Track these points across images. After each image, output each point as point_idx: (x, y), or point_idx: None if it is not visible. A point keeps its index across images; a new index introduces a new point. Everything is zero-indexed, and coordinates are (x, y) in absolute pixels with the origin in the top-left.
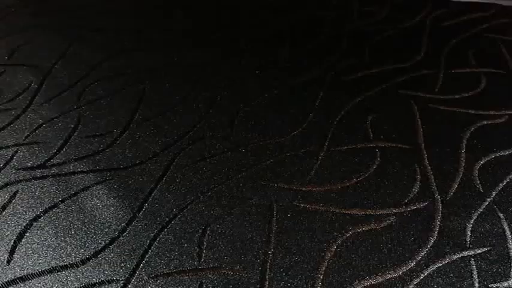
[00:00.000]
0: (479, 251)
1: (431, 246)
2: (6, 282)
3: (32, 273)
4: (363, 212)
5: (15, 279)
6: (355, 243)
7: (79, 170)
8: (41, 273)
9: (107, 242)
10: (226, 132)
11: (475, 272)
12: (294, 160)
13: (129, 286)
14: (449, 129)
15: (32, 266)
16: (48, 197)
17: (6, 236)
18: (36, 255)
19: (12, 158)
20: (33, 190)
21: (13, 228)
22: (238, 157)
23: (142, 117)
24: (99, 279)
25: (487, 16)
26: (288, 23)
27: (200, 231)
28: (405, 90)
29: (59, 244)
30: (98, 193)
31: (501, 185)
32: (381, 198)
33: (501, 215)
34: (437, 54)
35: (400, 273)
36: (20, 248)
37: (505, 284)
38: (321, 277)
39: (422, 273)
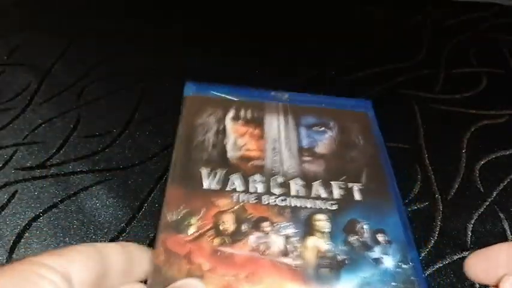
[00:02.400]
0: None
1: (431, 247)
2: None
3: None
4: None
5: None
6: None
7: (78, 170)
8: None
9: (107, 242)
10: None
11: None
12: None
13: None
14: (450, 129)
15: None
16: (47, 197)
17: (5, 236)
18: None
19: (11, 158)
20: (33, 190)
21: (12, 229)
22: None
23: (142, 117)
24: None
25: (487, 16)
26: (288, 23)
27: None
28: (405, 90)
29: (58, 244)
30: (97, 193)
31: (502, 185)
32: None
33: (502, 215)
34: (437, 54)
35: None
36: (19, 248)
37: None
38: None
39: (423, 273)
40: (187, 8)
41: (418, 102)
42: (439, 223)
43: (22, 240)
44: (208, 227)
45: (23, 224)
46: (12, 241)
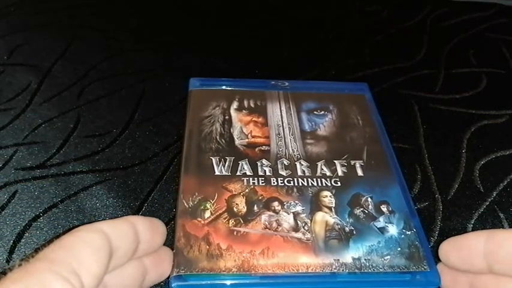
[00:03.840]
0: None
1: (431, 247)
2: None
3: None
4: None
5: None
6: None
7: (78, 170)
8: None
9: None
10: None
11: None
12: None
13: None
14: (450, 129)
15: None
16: (47, 197)
17: (5, 236)
18: None
19: (11, 158)
20: (33, 190)
21: (12, 229)
22: None
23: (142, 117)
24: None
25: (487, 16)
26: (288, 23)
27: None
28: (405, 90)
29: None
30: (97, 193)
31: (502, 185)
32: None
33: (502, 215)
34: (437, 54)
35: None
36: (19, 248)
37: None
38: None
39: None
40: (188, 8)
41: (418, 102)
42: (439, 223)
43: (22, 240)
44: (222, 210)
45: (23, 224)
46: (12, 241)
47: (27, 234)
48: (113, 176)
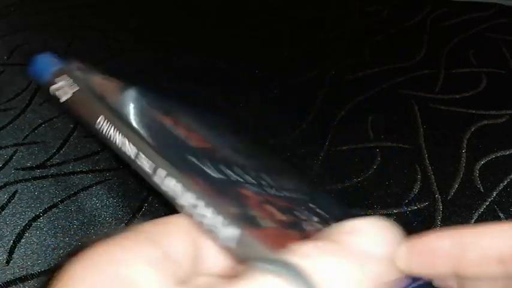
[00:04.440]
0: None
1: None
2: (5, 282)
3: (31, 274)
4: (363, 212)
5: (14, 280)
6: None
7: (78, 170)
8: (40, 274)
9: None
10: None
11: None
12: (294, 160)
13: None
14: (450, 129)
15: (31, 266)
16: (47, 197)
17: (5, 236)
18: (36, 255)
19: (11, 158)
20: (33, 190)
21: (12, 229)
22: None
23: None
24: None
25: (487, 16)
26: (288, 23)
27: None
28: (405, 90)
29: (58, 244)
30: (97, 193)
31: (501, 185)
32: (381, 199)
33: (501, 215)
34: (438, 54)
35: None
36: (19, 248)
37: None
38: None
39: None
40: (188, 8)
41: (418, 102)
42: (439, 223)
43: (22, 240)
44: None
45: (23, 224)
46: (12, 241)
47: (27, 234)
48: (113, 176)
